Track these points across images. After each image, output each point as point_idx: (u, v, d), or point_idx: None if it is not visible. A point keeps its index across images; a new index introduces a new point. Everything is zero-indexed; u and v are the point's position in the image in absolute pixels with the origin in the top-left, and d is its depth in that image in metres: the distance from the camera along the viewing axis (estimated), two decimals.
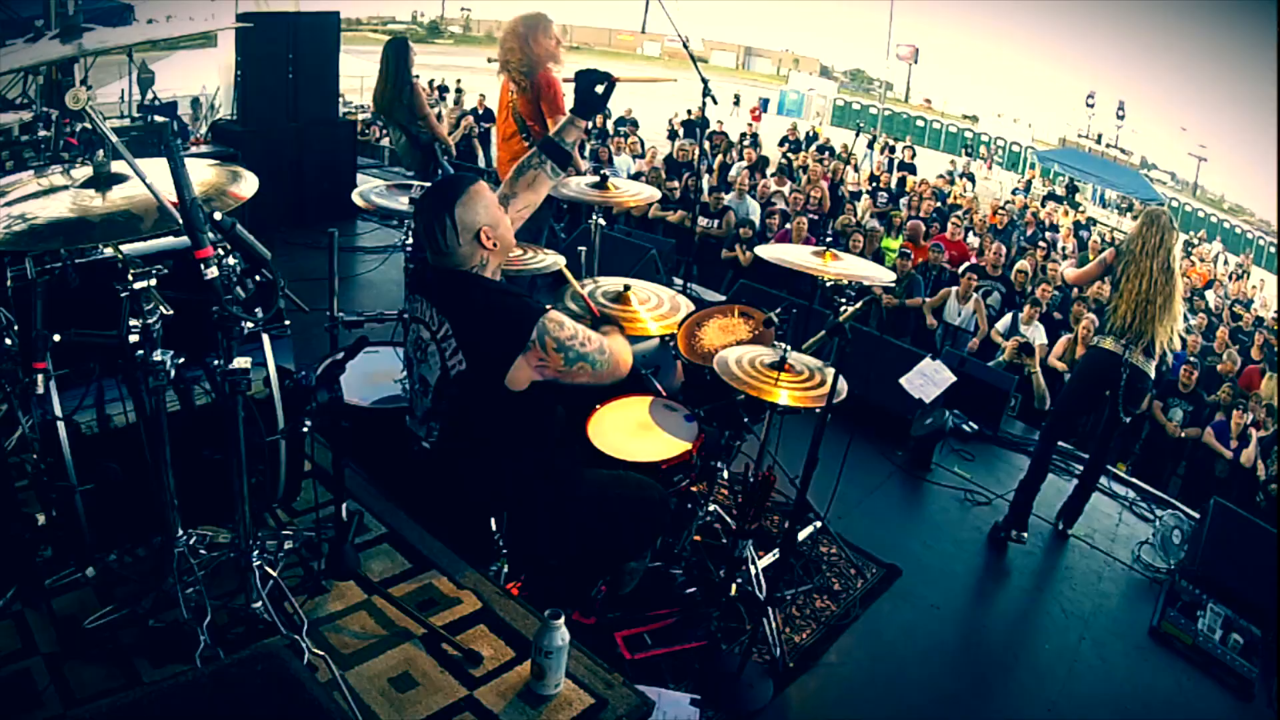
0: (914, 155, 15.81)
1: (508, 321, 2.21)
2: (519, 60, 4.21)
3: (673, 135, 15.03)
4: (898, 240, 8.85)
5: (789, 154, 14.35)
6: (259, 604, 2.13)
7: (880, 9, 34.88)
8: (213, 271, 1.77)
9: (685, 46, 4.53)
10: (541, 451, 2.40)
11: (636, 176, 10.40)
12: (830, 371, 2.67)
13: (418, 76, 6.37)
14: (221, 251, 1.81)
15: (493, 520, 2.44)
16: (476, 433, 2.32)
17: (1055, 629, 3.56)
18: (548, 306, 2.27)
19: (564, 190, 3.76)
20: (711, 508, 3.29)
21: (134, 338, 1.86)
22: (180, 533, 2.09)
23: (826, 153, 14.43)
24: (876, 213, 10.46)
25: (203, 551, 2.21)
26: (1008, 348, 6.53)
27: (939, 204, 11.20)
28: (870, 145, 16.09)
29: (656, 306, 3.24)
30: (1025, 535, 4.05)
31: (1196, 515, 4.60)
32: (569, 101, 2.70)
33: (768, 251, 3.31)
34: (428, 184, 3.82)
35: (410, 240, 3.91)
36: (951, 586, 3.67)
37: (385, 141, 13.03)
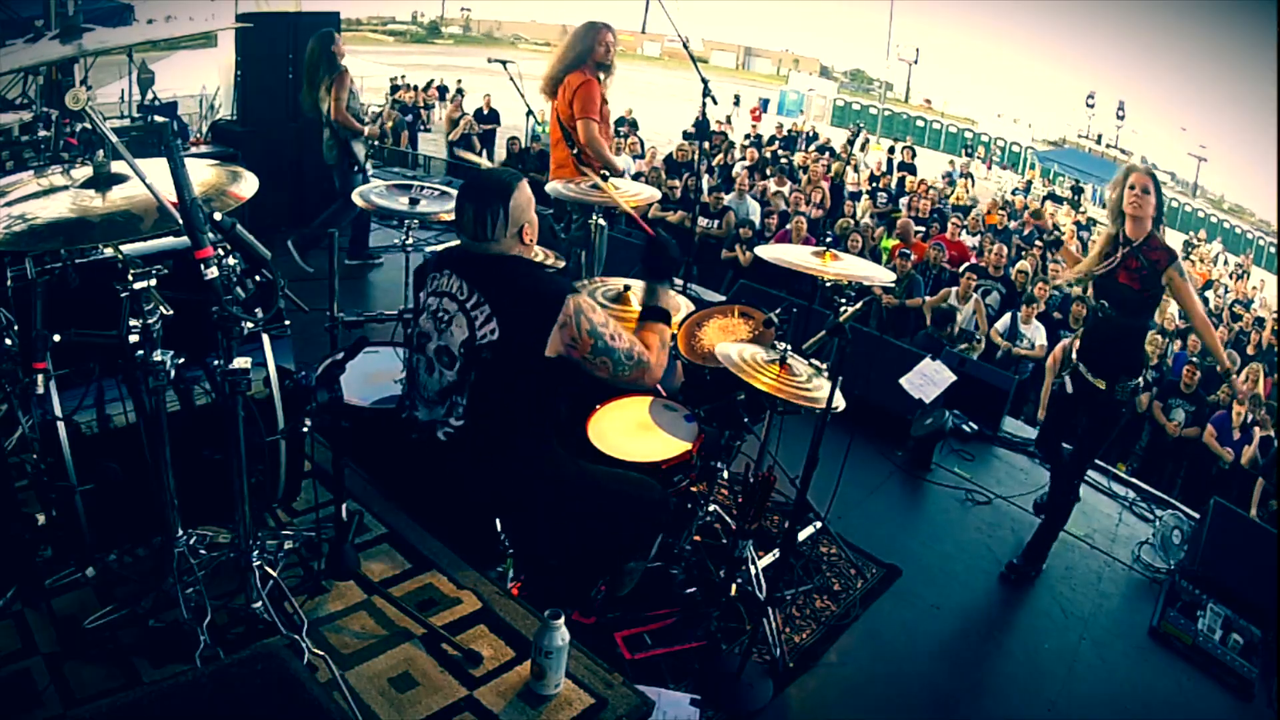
0: (914, 155, 15.79)
1: (543, 293, 2.25)
2: (563, 58, 4.44)
3: (687, 135, 14.98)
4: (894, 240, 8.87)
5: (779, 150, 14.31)
6: (259, 604, 2.14)
7: (880, 9, 34.83)
8: (213, 271, 1.78)
9: (685, 46, 4.55)
10: (540, 445, 2.39)
11: (637, 177, 10.40)
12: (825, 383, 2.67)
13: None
14: (221, 251, 1.81)
15: (497, 521, 2.44)
16: (493, 413, 2.30)
17: (1055, 629, 3.55)
18: (579, 288, 2.28)
19: (565, 192, 3.76)
20: (711, 508, 3.29)
21: (134, 338, 1.87)
22: (180, 533, 2.09)
23: (826, 153, 14.41)
24: (876, 213, 10.45)
25: (203, 551, 2.21)
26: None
27: (939, 204, 11.19)
28: (852, 140, 16.02)
29: None
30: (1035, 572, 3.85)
31: (1196, 515, 4.60)
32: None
33: (768, 252, 3.31)
34: (402, 183, 3.83)
35: (409, 240, 3.91)
36: (951, 586, 3.66)
37: (385, 141, 12.98)
